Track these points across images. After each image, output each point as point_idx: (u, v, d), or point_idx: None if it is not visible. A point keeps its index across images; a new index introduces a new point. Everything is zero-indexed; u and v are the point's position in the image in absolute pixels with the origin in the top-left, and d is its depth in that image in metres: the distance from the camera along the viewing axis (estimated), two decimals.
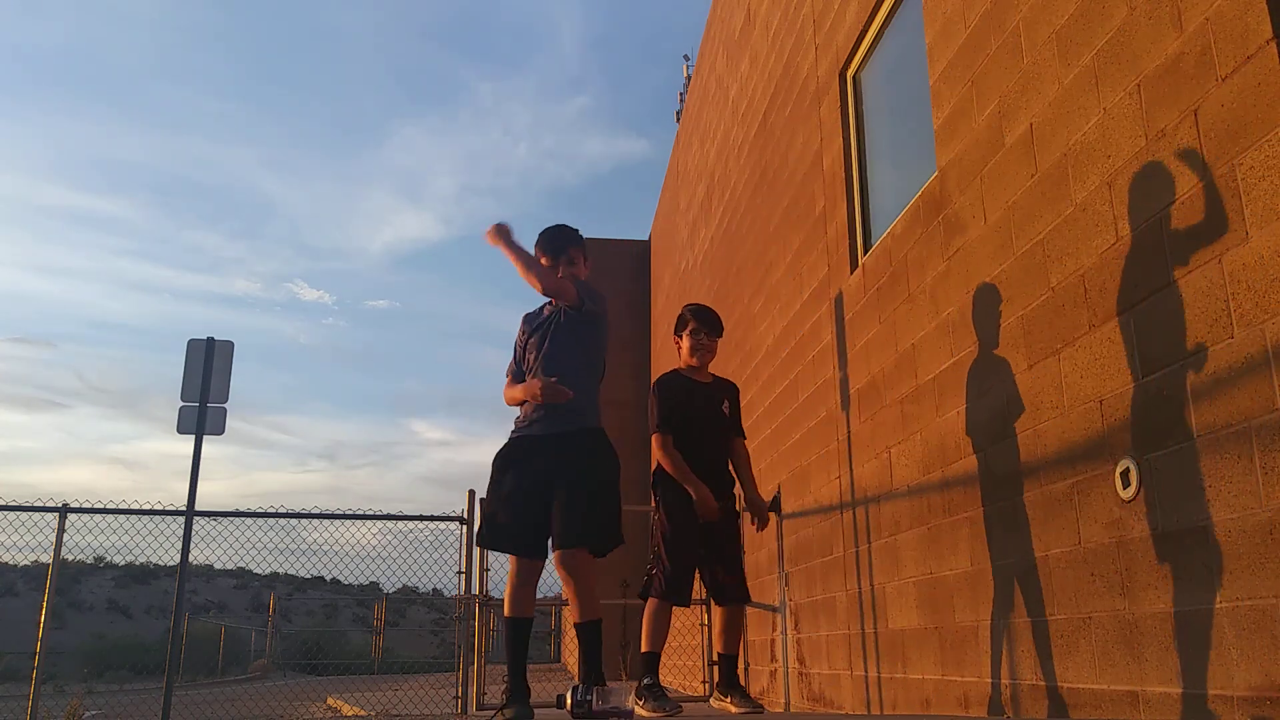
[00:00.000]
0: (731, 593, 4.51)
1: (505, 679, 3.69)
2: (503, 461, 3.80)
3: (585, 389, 3.79)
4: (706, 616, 7.39)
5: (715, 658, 4.78)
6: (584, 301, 3.83)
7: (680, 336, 4.79)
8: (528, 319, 4.09)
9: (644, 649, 4.39)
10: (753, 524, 4.77)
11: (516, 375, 3.99)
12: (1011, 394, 3.68)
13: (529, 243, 4.00)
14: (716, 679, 4.54)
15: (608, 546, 3.65)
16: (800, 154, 6.67)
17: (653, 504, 4.62)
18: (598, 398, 3.93)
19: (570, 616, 3.79)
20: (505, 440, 3.90)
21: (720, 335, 4.79)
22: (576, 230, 4.09)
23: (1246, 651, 2.48)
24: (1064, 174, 3.36)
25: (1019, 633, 3.59)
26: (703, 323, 4.73)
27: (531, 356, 3.89)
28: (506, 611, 3.71)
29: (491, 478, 3.82)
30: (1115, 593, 3.02)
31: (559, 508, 3.63)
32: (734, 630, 4.58)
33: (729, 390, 4.84)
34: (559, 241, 3.97)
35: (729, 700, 4.49)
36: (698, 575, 4.59)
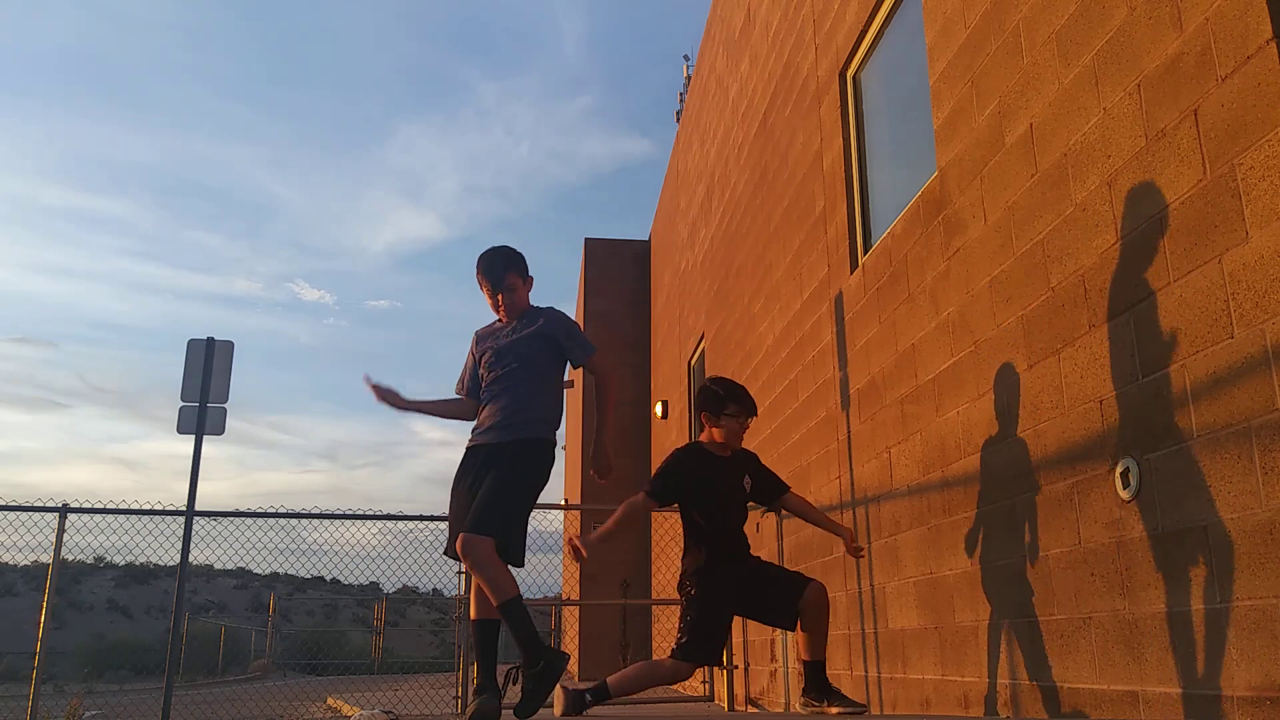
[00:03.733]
0: (802, 590, 4.06)
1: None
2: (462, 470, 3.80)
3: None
4: None
5: (768, 636, 4.44)
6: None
7: (719, 419, 4.31)
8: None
9: (612, 683, 4.05)
10: (850, 548, 4.21)
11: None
12: (1011, 394, 3.68)
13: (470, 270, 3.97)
14: (803, 684, 4.14)
15: (500, 543, 3.52)
16: (800, 154, 6.67)
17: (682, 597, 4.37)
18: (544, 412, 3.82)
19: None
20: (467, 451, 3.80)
21: (753, 415, 4.36)
22: (507, 252, 3.88)
23: (1246, 651, 2.48)
24: (1064, 174, 3.37)
25: (1019, 633, 3.59)
26: (743, 407, 4.29)
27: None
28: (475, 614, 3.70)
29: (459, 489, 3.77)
30: (1115, 593, 3.02)
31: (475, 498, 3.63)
32: (820, 633, 4.11)
33: (749, 464, 4.39)
34: (496, 270, 3.83)
35: (826, 704, 4.10)
36: (771, 623, 4.33)
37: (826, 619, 4.11)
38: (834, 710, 4.04)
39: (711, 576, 4.14)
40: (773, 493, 4.37)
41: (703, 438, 4.33)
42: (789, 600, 4.10)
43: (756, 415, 4.34)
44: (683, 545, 4.32)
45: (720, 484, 4.24)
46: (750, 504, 4.37)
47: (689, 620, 4.12)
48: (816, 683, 4.13)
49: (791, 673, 6.37)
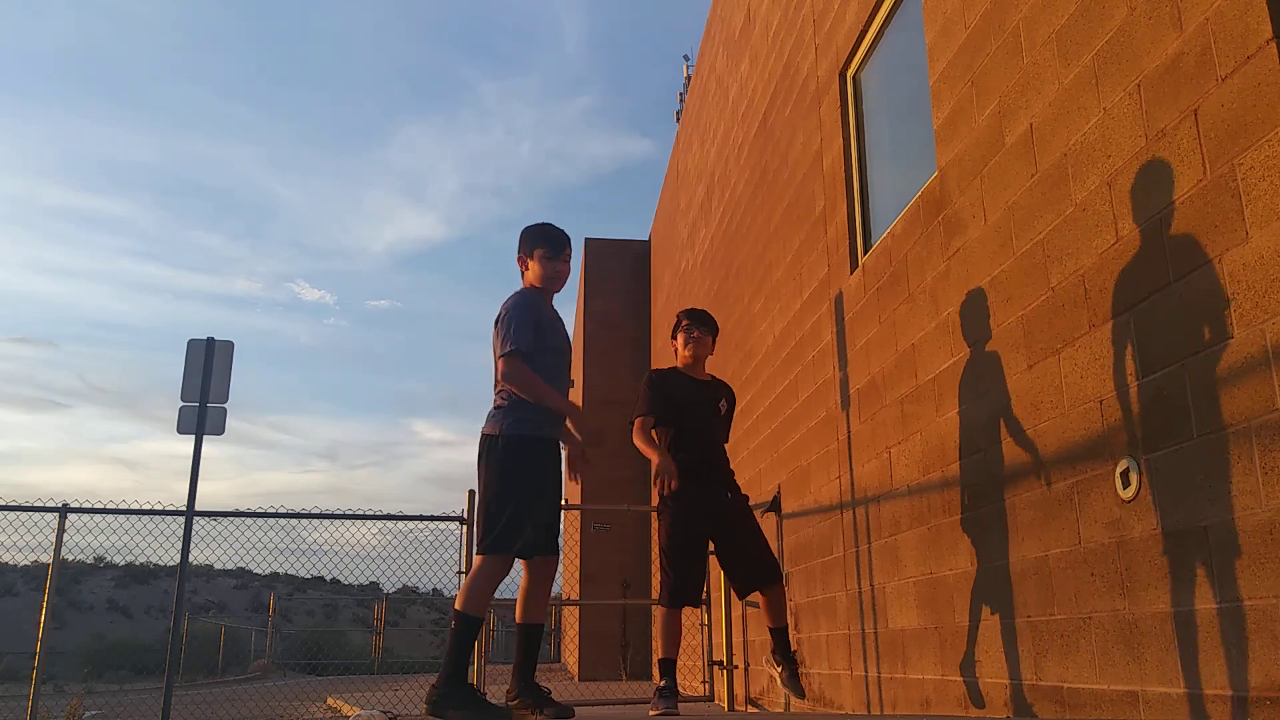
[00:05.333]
0: (766, 573, 4.56)
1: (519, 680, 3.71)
2: (546, 463, 3.74)
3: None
4: (706, 616, 7.39)
5: (767, 633, 4.84)
6: (508, 349, 3.70)
7: (675, 338, 4.94)
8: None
9: (659, 655, 4.52)
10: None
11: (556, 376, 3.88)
12: (1012, 394, 3.68)
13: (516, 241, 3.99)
14: (771, 647, 4.71)
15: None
16: (800, 154, 6.67)
17: (655, 517, 4.74)
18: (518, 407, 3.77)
19: (534, 618, 3.80)
20: (537, 439, 3.71)
21: (710, 332, 4.90)
22: (523, 231, 4.00)
23: (1246, 651, 2.48)
24: (1064, 174, 3.37)
25: (1019, 633, 3.59)
26: (693, 320, 4.88)
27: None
28: (537, 617, 3.76)
29: (532, 478, 3.66)
30: (1115, 593, 3.02)
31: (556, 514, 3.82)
32: (778, 605, 4.61)
33: (726, 391, 4.93)
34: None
35: (780, 671, 4.67)
36: (724, 574, 4.72)
37: (784, 600, 4.64)
38: (778, 675, 4.63)
39: (684, 499, 4.52)
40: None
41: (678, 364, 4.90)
42: (749, 578, 4.58)
43: (702, 334, 4.83)
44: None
45: (695, 403, 4.68)
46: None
47: (663, 559, 4.57)
48: (781, 647, 4.67)
49: None
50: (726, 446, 4.87)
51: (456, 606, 3.58)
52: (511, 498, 3.60)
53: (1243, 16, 2.54)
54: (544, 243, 3.88)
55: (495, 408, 3.76)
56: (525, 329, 3.70)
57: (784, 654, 4.66)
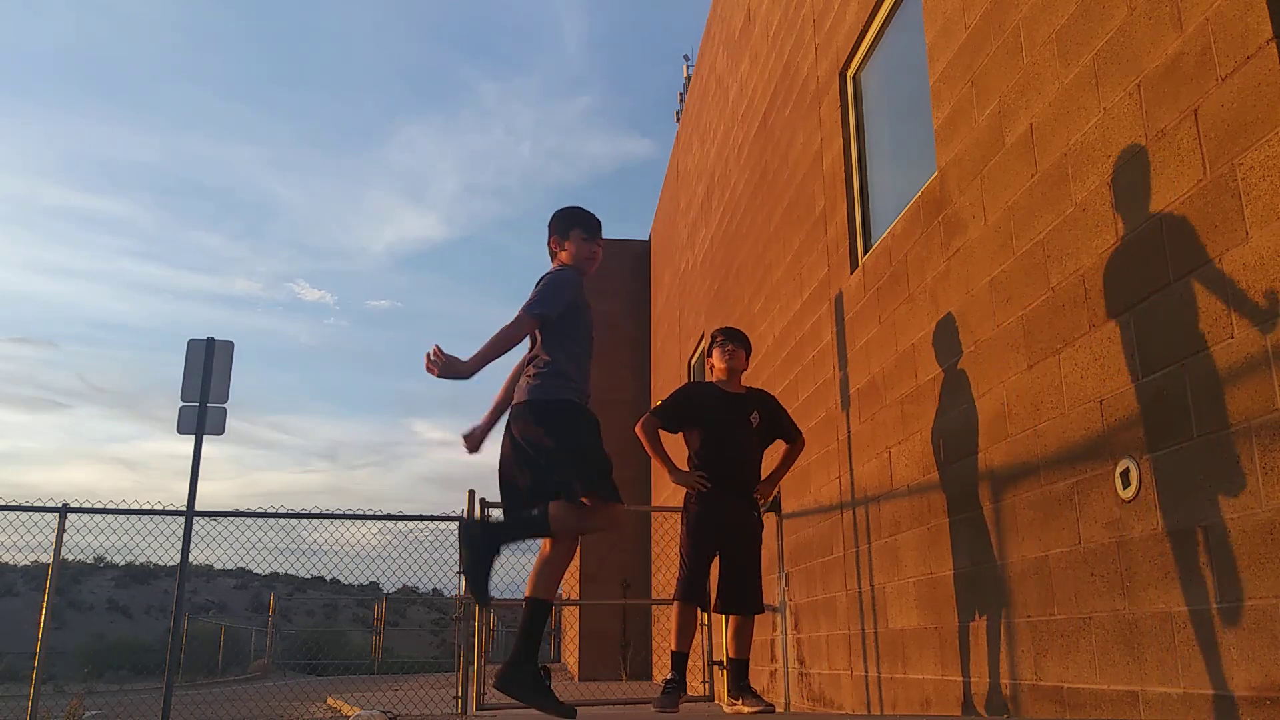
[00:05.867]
0: (744, 603, 4.66)
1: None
2: (589, 422, 3.71)
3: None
4: (707, 617, 7.38)
5: (725, 661, 4.90)
6: (532, 309, 3.64)
7: (710, 355, 5.05)
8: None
9: (670, 647, 4.66)
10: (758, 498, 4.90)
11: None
12: (1011, 394, 3.68)
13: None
14: (727, 683, 4.74)
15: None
16: (800, 154, 6.67)
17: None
18: (563, 372, 3.70)
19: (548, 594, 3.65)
20: (578, 404, 3.69)
21: (743, 346, 5.00)
22: (555, 214, 4.01)
23: (1246, 651, 2.48)
24: (1064, 174, 3.37)
25: (1019, 633, 3.59)
26: (727, 335, 4.99)
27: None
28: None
29: (595, 437, 3.65)
30: (1115, 593, 3.02)
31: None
32: (745, 636, 4.73)
33: (761, 401, 4.99)
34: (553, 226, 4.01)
35: (740, 702, 4.65)
36: (714, 581, 4.78)
37: (751, 634, 4.77)
38: (748, 709, 4.58)
39: (700, 499, 4.69)
40: (773, 435, 4.99)
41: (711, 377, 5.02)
42: (728, 601, 4.67)
43: (735, 347, 4.93)
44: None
45: (722, 415, 4.78)
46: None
47: (680, 553, 4.73)
48: (738, 678, 4.71)
49: (792, 673, 6.37)
50: (803, 451, 5.07)
51: (527, 593, 3.54)
52: (571, 443, 3.56)
53: (1243, 16, 2.54)
54: (580, 224, 3.91)
55: (528, 378, 3.67)
56: (560, 300, 3.67)
57: (741, 685, 4.70)
